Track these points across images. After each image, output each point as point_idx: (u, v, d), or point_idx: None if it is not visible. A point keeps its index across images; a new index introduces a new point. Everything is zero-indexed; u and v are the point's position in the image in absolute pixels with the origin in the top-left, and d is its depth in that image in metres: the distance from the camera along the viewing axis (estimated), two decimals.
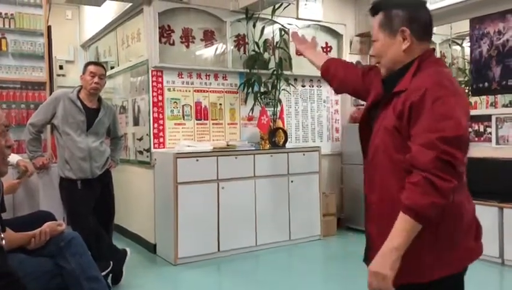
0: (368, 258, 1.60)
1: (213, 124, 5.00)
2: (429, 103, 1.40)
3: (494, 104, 6.01)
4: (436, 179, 1.33)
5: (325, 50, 5.81)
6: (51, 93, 4.27)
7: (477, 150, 4.74)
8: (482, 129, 4.75)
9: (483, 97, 5.90)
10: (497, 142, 4.58)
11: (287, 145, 5.08)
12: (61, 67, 6.33)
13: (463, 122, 1.39)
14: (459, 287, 1.56)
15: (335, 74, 2.01)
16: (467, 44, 5.64)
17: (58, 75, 6.26)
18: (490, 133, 4.65)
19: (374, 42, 1.65)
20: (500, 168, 4.47)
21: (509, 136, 4.50)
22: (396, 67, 1.59)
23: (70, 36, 6.51)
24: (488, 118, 4.70)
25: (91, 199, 3.63)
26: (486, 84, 4.66)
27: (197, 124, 4.90)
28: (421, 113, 1.41)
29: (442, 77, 1.47)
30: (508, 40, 4.47)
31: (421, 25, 1.57)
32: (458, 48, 6.52)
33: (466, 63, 5.88)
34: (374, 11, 1.64)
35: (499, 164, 4.49)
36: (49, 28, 4.71)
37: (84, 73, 3.68)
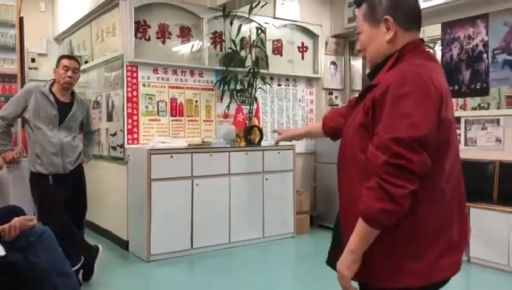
0: (330, 260, 1.57)
1: (188, 120, 4.98)
2: (389, 101, 1.31)
3: (463, 107, 6.19)
4: (386, 185, 1.26)
5: (301, 50, 5.86)
6: (22, 86, 4.18)
7: None
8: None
9: (454, 100, 6.07)
10: (466, 144, 4.72)
11: (262, 143, 5.11)
12: (33, 60, 6.19)
13: (423, 122, 1.27)
14: None
15: (332, 129, 1.94)
16: (438, 47, 5.78)
17: (30, 68, 6.12)
18: (459, 134, 4.79)
19: (359, 35, 1.57)
20: (468, 169, 4.58)
21: (477, 138, 4.64)
22: (379, 59, 1.51)
23: (44, 28, 6.38)
24: (457, 120, 4.83)
25: (62, 194, 3.58)
26: (456, 87, 4.79)
27: (172, 120, 4.88)
28: (382, 111, 1.32)
29: (411, 72, 1.35)
30: (477, 45, 4.61)
31: (406, 12, 1.48)
32: (430, 51, 6.68)
33: None
34: (358, 2, 1.58)
35: (467, 165, 4.62)
36: (21, 20, 4.61)
37: (57, 66, 3.63)
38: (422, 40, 1.51)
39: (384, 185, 1.26)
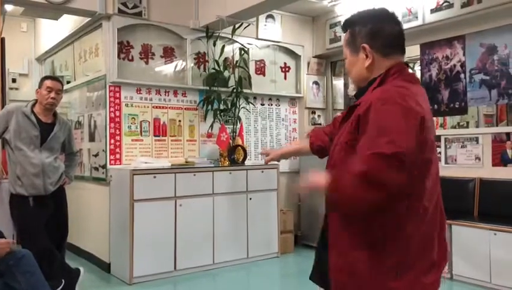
0: (314, 276, 1.61)
1: (172, 140, 4.97)
2: (371, 118, 1.36)
3: (443, 126, 6.31)
4: (360, 185, 1.30)
5: (283, 70, 5.93)
6: (2, 107, 4.13)
7: None
8: None
9: (434, 118, 6.18)
10: (446, 162, 4.80)
11: (246, 162, 5.11)
12: (14, 80, 6.15)
13: (402, 140, 1.29)
14: None
15: (320, 147, 1.98)
16: (417, 68, 5.91)
17: (11, 88, 6.07)
18: (440, 153, 4.86)
19: (345, 59, 1.66)
20: (449, 186, 4.67)
21: (457, 156, 4.72)
22: (362, 84, 1.59)
23: (25, 49, 6.35)
24: (437, 138, 4.91)
25: (43, 216, 3.51)
26: (435, 106, 4.89)
27: (155, 140, 4.86)
28: (364, 128, 1.37)
29: (393, 92, 1.41)
30: (454, 65, 4.72)
31: (386, 39, 1.53)
32: (415, 74, 6.81)
33: None
34: (344, 28, 1.65)
35: (448, 183, 4.69)
36: (2, 40, 4.58)
37: (40, 87, 3.60)
38: (406, 63, 1.56)
39: (360, 184, 1.30)
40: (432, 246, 1.48)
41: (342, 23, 1.66)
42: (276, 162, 5.43)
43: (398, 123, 1.33)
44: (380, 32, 1.53)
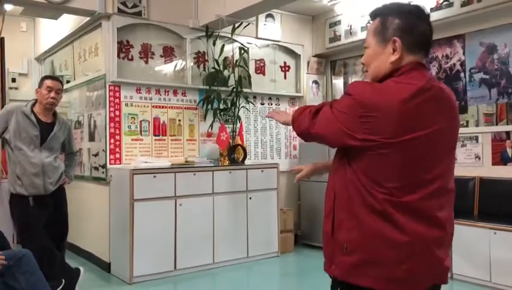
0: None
1: (171, 140, 4.97)
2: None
3: None
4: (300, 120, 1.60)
5: (283, 69, 5.93)
6: (2, 107, 4.13)
7: None
8: None
9: None
10: None
11: (246, 161, 5.11)
12: (13, 80, 6.15)
13: (326, 128, 1.49)
14: None
15: None
16: None
17: (11, 88, 6.07)
18: None
19: (366, 49, 1.57)
20: None
21: (457, 154, 4.72)
22: (377, 79, 1.52)
23: (25, 48, 6.35)
24: None
25: (43, 215, 3.51)
26: None
27: (155, 139, 4.86)
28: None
29: (377, 87, 1.44)
30: (454, 64, 4.73)
31: (417, 37, 1.48)
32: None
33: None
34: (373, 15, 1.56)
35: None
36: (1, 40, 4.58)
37: (40, 87, 3.60)
38: (419, 63, 1.50)
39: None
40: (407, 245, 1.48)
41: (373, 10, 1.56)
42: (273, 161, 5.46)
43: (342, 109, 1.45)
44: (414, 29, 1.47)
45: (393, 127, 1.37)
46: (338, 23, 5.73)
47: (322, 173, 1.96)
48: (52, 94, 3.55)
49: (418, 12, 1.50)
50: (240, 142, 5.12)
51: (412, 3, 1.53)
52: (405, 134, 1.37)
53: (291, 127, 1.74)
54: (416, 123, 1.39)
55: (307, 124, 1.57)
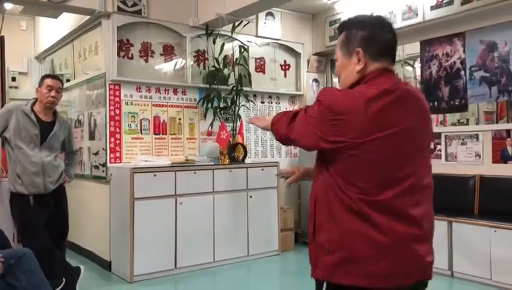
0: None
1: (172, 138, 4.97)
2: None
3: (443, 123, 6.30)
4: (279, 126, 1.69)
5: (283, 68, 5.93)
6: (2, 106, 4.13)
7: None
8: (432, 146, 4.96)
9: (433, 116, 6.19)
10: (446, 159, 4.80)
11: (246, 160, 5.11)
12: (13, 79, 6.15)
13: (298, 134, 1.58)
14: None
15: None
16: (418, 65, 5.90)
17: (11, 87, 6.06)
18: (440, 150, 4.86)
19: (336, 60, 1.69)
20: (449, 183, 4.67)
21: (457, 153, 4.72)
22: (348, 87, 1.60)
23: (25, 47, 6.35)
24: (438, 135, 4.92)
25: (43, 214, 3.51)
26: (436, 103, 4.89)
27: (155, 138, 4.86)
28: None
29: (343, 92, 1.54)
30: (455, 62, 4.72)
31: (380, 46, 1.56)
32: (410, 68, 6.81)
33: (417, 83, 6.14)
34: (339, 30, 1.66)
35: (448, 180, 4.70)
36: (1, 38, 4.58)
37: (40, 86, 3.60)
38: (388, 69, 1.58)
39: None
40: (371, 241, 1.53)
41: (339, 25, 1.68)
42: (274, 159, 5.45)
43: (313, 120, 1.52)
44: (375, 38, 1.56)
45: (361, 128, 1.43)
46: (338, 21, 5.73)
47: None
48: (53, 93, 3.55)
49: (380, 23, 1.59)
50: (240, 140, 5.12)
51: (374, 15, 1.64)
52: (372, 134, 1.43)
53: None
54: (382, 123, 1.44)
55: (285, 129, 1.66)
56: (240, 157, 5.02)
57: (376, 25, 1.58)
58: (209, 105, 5.04)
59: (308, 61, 6.08)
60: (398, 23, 4.95)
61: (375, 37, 1.56)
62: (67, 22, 5.34)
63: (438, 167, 4.85)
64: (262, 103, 5.73)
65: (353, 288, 1.47)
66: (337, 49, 1.66)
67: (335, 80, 6.24)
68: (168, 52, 5.00)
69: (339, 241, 1.49)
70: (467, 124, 5.63)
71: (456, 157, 4.73)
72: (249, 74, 5.32)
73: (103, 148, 4.62)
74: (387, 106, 1.45)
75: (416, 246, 1.48)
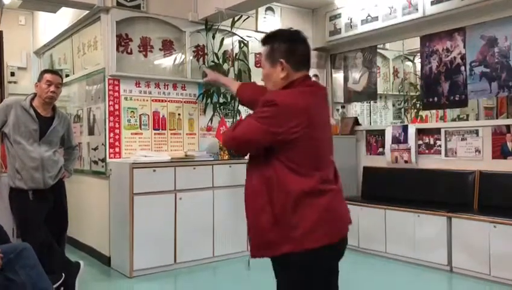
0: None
1: (171, 134, 4.96)
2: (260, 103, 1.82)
3: (443, 118, 6.30)
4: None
5: None
6: (1, 101, 4.12)
7: (428, 162, 4.95)
8: (432, 142, 4.95)
9: (433, 111, 6.19)
10: (446, 155, 4.79)
11: (246, 156, 5.09)
12: (12, 74, 6.13)
13: (246, 134, 1.80)
14: (308, 266, 1.77)
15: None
16: (418, 60, 5.89)
17: (10, 82, 6.05)
18: (440, 145, 4.86)
19: (262, 69, 1.97)
20: (449, 179, 4.68)
21: (457, 148, 4.72)
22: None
23: (23, 42, 6.33)
24: (437, 131, 4.91)
25: (43, 209, 3.51)
26: (435, 98, 4.88)
27: (155, 133, 4.85)
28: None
29: (282, 94, 1.82)
30: (455, 58, 4.71)
31: (298, 58, 1.87)
32: (410, 63, 6.81)
33: (417, 78, 6.14)
34: (263, 42, 1.93)
35: (448, 175, 4.70)
36: (0, 33, 4.57)
37: (39, 81, 3.59)
38: (308, 76, 1.93)
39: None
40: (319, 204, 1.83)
41: (263, 38, 1.94)
42: None
43: (261, 120, 1.78)
44: (295, 51, 1.87)
45: (297, 119, 1.74)
46: (338, 16, 5.71)
47: (220, 86, 2.56)
48: (52, 88, 3.53)
49: (297, 37, 1.91)
50: None
51: (293, 29, 1.94)
52: (305, 122, 1.75)
53: None
54: (310, 112, 1.79)
55: (230, 135, 1.92)
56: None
57: (295, 39, 1.89)
58: (209, 100, 5.03)
59: None
60: (398, 18, 4.94)
61: (294, 50, 1.87)
62: (66, 16, 5.32)
63: (438, 162, 4.86)
64: None
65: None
66: (262, 59, 1.94)
67: (335, 75, 6.23)
68: (168, 47, 4.98)
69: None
70: (467, 119, 5.64)
71: (455, 152, 4.73)
72: (249, 69, 5.31)
73: (102, 144, 4.61)
74: (311, 100, 1.82)
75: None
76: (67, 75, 5.58)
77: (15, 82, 6.17)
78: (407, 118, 6.57)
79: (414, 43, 5.46)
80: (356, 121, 5.89)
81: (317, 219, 1.73)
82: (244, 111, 5.45)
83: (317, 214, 1.73)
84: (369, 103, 6.50)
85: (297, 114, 1.75)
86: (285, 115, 1.73)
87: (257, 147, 1.82)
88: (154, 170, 4.28)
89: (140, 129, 4.76)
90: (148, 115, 4.81)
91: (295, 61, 1.86)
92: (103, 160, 4.61)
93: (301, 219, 1.72)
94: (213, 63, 5.06)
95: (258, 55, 5.65)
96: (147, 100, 4.81)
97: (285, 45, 1.86)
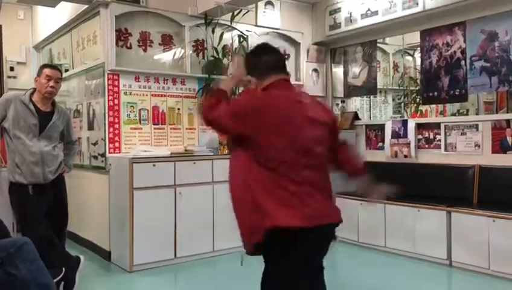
0: None
1: (171, 128, 4.96)
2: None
3: (443, 113, 6.29)
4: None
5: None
6: (0, 95, 4.12)
7: (428, 156, 4.96)
8: (431, 136, 4.96)
9: (433, 106, 6.19)
10: (446, 149, 4.80)
11: None
12: (12, 68, 6.12)
13: (223, 119, 2.15)
14: (284, 241, 2.07)
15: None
16: (418, 54, 5.88)
17: (9, 77, 6.04)
18: (439, 140, 4.86)
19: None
20: (448, 173, 4.68)
21: (456, 143, 4.72)
22: None
23: (23, 37, 6.31)
24: (437, 125, 4.91)
25: (43, 204, 3.51)
26: (435, 93, 4.88)
27: (154, 128, 4.85)
28: None
29: (259, 95, 2.09)
30: (455, 52, 4.70)
31: (263, 65, 2.12)
32: (410, 58, 6.80)
33: (417, 72, 6.13)
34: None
35: (447, 170, 4.70)
36: None
37: (39, 75, 3.57)
38: (283, 79, 2.14)
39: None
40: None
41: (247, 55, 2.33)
42: None
43: (236, 113, 2.12)
44: (258, 64, 2.14)
45: (270, 115, 1.98)
46: (338, 10, 5.69)
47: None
48: (51, 83, 3.53)
49: (263, 48, 2.23)
50: None
51: (262, 43, 2.32)
52: (278, 118, 1.98)
53: None
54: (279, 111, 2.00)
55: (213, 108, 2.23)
56: None
57: (258, 53, 2.20)
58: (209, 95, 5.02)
59: (308, 50, 6.05)
60: (398, 12, 4.92)
61: (257, 63, 2.14)
62: (66, 11, 5.30)
63: (438, 157, 4.86)
64: None
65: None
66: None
67: (335, 69, 6.22)
68: (167, 41, 4.97)
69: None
70: (467, 114, 5.63)
71: (455, 147, 4.73)
72: None
73: (102, 139, 4.61)
74: (280, 99, 2.07)
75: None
76: (66, 70, 5.57)
77: (14, 77, 6.15)
78: (407, 112, 6.56)
79: (414, 37, 5.44)
80: (356, 116, 5.89)
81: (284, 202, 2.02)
82: None
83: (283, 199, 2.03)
84: (369, 97, 6.49)
85: (254, 113, 1.99)
86: (247, 113, 2.02)
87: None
88: (154, 165, 4.28)
89: (140, 124, 4.76)
90: (148, 110, 4.81)
91: (261, 73, 2.12)
92: (103, 155, 4.61)
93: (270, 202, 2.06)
94: (212, 58, 5.04)
95: None
96: (147, 95, 4.81)
97: (249, 61, 2.17)
